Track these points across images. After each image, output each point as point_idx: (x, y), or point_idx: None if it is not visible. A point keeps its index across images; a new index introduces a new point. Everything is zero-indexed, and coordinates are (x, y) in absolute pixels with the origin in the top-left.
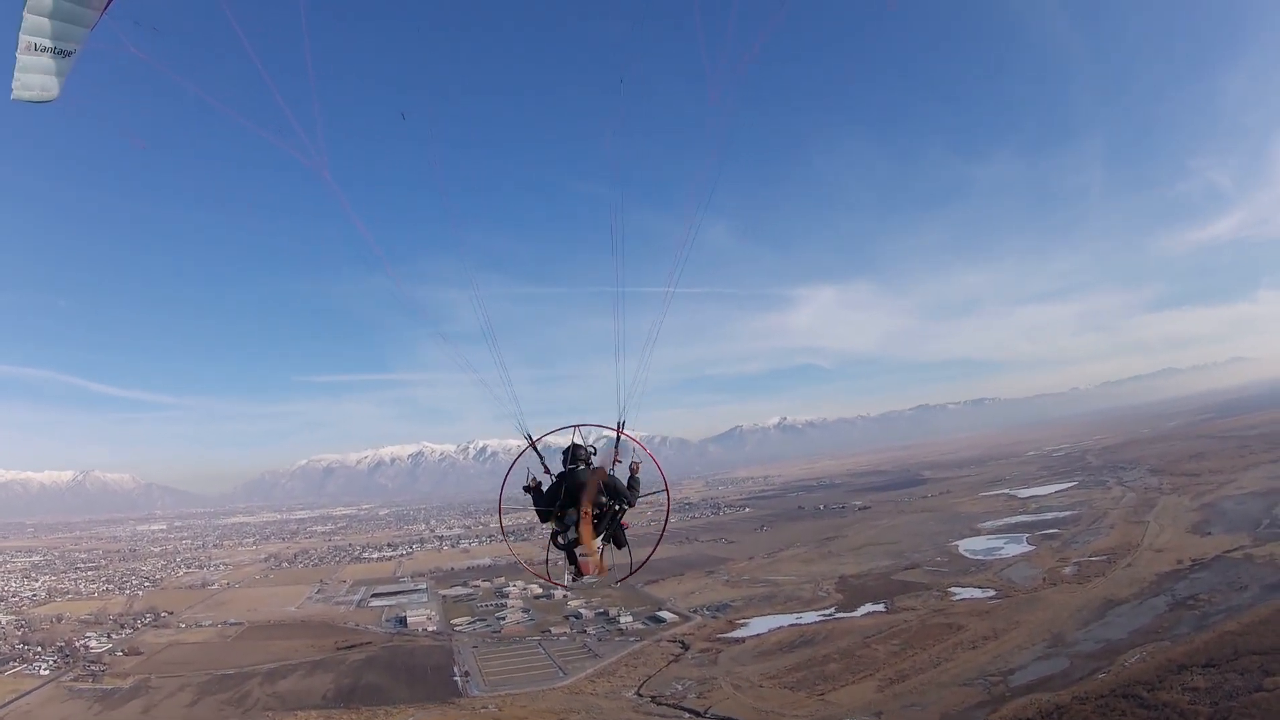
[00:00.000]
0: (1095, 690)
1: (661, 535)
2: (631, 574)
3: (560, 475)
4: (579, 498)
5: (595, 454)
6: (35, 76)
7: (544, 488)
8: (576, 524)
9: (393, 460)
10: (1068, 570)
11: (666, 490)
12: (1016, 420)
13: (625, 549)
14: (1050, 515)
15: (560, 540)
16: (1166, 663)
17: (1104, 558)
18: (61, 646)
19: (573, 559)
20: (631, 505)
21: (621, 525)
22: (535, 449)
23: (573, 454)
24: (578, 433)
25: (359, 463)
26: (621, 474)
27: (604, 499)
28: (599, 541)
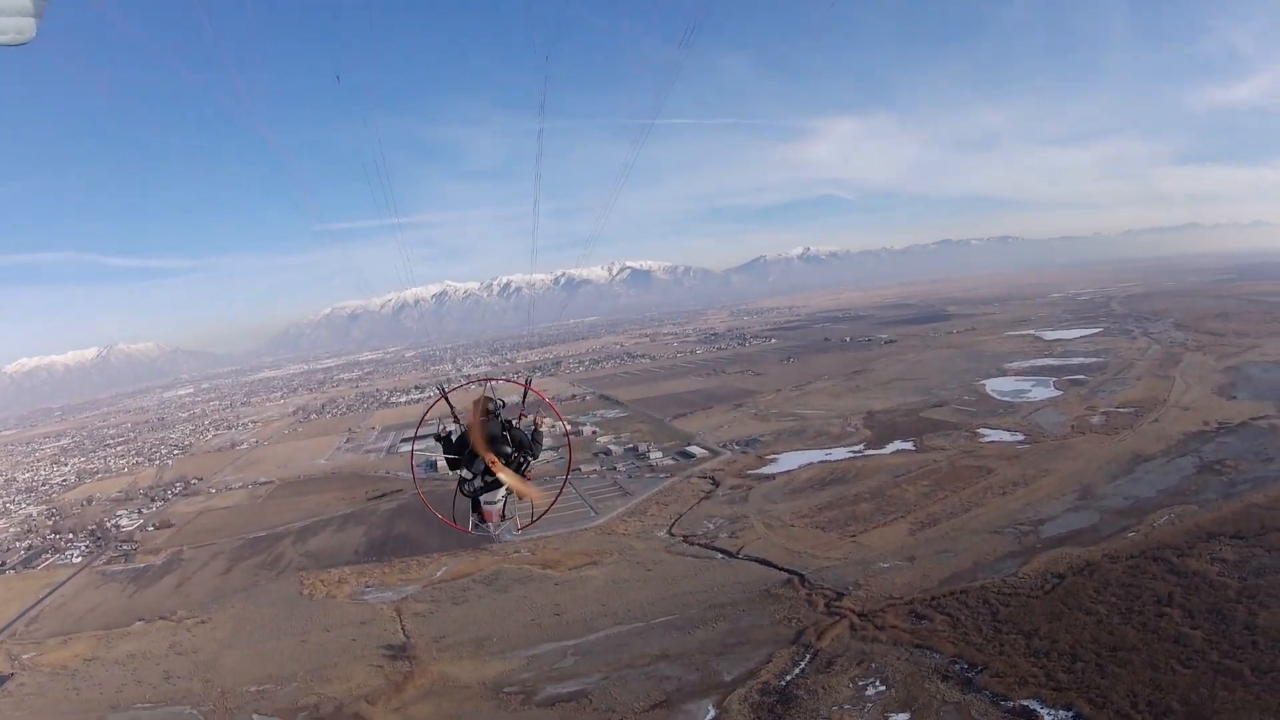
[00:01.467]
0: (1125, 549)
1: (564, 486)
2: (533, 523)
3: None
4: (490, 449)
5: (504, 406)
6: (10, 20)
7: (454, 438)
8: (485, 473)
9: (417, 302)
10: (1095, 420)
11: (569, 444)
12: (1040, 261)
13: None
14: (1076, 360)
15: (466, 489)
16: (1195, 528)
17: (1131, 410)
18: (93, 530)
19: (476, 506)
20: (535, 457)
21: (526, 477)
22: (447, 400)
23: (482, 406)
24: (488, 386)
25: (383, 307)
26: (527, 430)
27: (509, 450)
28: (502, 492)
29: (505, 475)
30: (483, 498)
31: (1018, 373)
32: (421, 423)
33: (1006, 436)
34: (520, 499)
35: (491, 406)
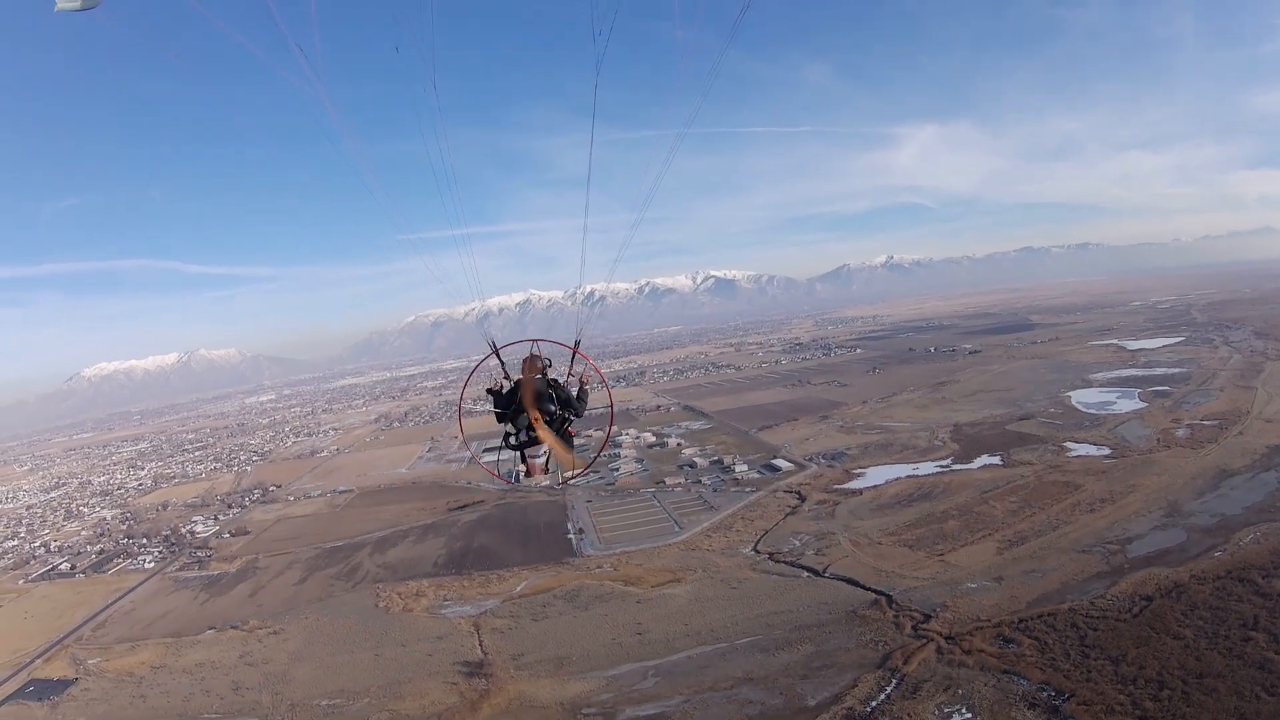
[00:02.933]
0: (1213, 570)
1: (605, 444)
2: (575, 477)
3: (517, 382)
4: (536, 406)
5: (550, 365)
6: None
7: (504, 392)
8: (530, 428)
9: (500, 310)
10: (1180, 433)
11: (610, 406)
12: (1120, 267)
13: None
14: (1159, 371)
15: (512, 441)
16: None
17: (1215, 422)
18: (167, 535)
19: (523, 459)
20: (579, 415)
21: (569, 434)
22: (498, 356)
23: (531, 365)
24: (536, 346)
25: (466, 315)
26: (574, 389)
27: (554, 409)
28: (545, 446)
29: (544, 434)
30: (526, 451)
31: (1102, 384)
32: (469, 380)
33: (1093, 450)
34: (557, 461)
35: (540, 365)
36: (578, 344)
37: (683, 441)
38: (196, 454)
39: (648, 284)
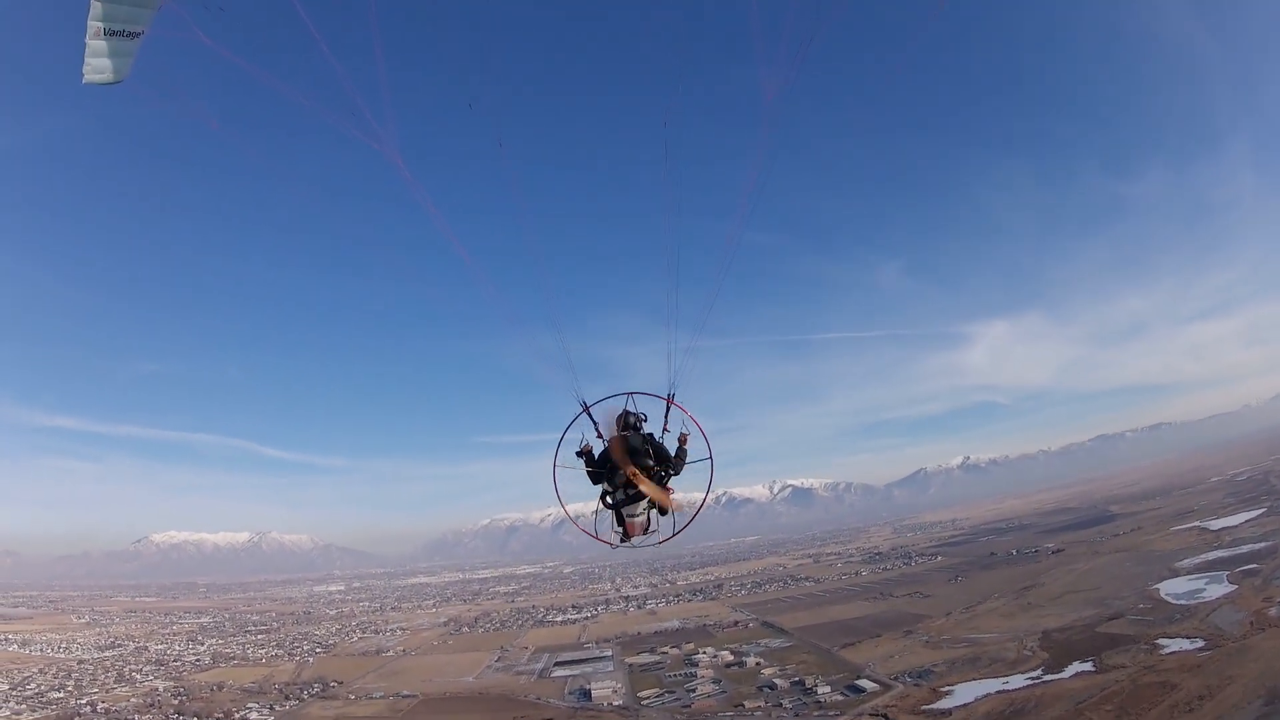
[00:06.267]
0: None
1: (703, 502)
2: (674, 536)
3: (610, 441)
4: (631, 462)
5: (646, 420)
6: (104, 60)
7: (595, 453)
8: (626, 484)
9: (577, 516)
10: (1273, 611)
11: (710, 459)
12: (1194, 443)
13: (670, 514)
14: (1245, 548)
15: (609, 500)
16: None
17: None
18: (219, 717)
19: (620, 520)
20: (677, 473)
21: (667, 489)
22: (589, 414)
23: (624, 420)
24: (630, 400)
25: (542, 521)
26: (670, 444)
27: (651, 464)
28: (644, 505)
29: (646, 485)
30: (624, 510)
31: (1190, 571)
32: (562, 439)
33: (1186, 645)
34: (663, 512)
35: (633, 420)
36: (671, 396)
37: (762, 661)
38: (259, 637)
39: (725, 494)
